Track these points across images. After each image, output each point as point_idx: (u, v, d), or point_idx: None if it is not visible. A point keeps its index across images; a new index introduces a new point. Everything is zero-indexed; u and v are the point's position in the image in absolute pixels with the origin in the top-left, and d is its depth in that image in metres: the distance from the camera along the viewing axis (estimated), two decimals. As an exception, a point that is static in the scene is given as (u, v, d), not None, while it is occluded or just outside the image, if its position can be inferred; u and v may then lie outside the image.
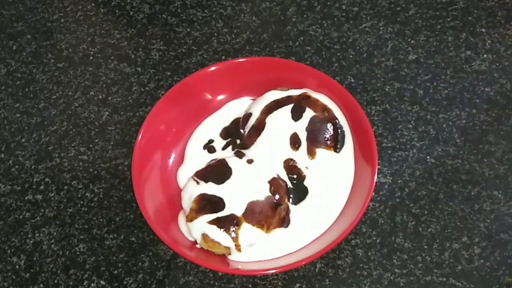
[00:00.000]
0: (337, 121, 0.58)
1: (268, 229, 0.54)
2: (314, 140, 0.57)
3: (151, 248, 0.57)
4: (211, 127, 0.62)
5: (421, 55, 0.68)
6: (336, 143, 0.58)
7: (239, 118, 0.62)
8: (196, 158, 0.60)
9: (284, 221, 0.55)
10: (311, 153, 0.57)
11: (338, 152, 0.58)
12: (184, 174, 0.59)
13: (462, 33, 0.70)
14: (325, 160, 0.57)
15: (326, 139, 0.57)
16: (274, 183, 0.55)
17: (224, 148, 0.61)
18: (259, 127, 0.59)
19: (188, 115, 0.62)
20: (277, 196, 0.54)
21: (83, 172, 0.63)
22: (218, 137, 0.62)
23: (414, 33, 0.70)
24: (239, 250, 0.53)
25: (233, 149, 0.60)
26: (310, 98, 0.59)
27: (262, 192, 0.54)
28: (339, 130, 0.58)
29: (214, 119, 0.63)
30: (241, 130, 0.60)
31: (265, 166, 0.56)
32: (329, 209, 0.55)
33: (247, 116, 0.60)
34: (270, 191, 0.55)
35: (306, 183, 0.57)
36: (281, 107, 0.59)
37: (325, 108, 0.58)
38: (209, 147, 0.61)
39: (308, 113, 0.58)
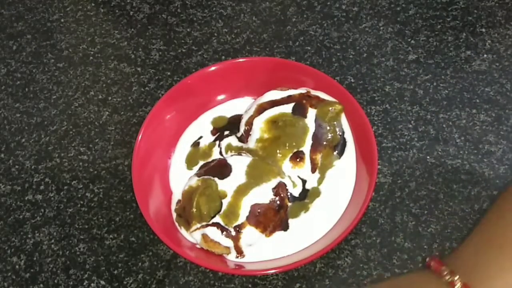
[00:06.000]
0: (339, 128, 0.58)
1: (270, 232, 0.54)
2: (317, 143, 0.57)
3: (151, 248, 0.57)
4: (204, 124, 0.62)
5: (421, 55, 0.68)
6: (338, 149, 0.57)
7: (236, 115, 0.62)
8: (184, 155, 0.60)
9: (284, 222, 0.55)
10: (313, 157, 0.57)
11: (339, 158, 0.57)
12: (173, 172, 0.59)
13: (462, 33, 0.70)
14: (327, 163, 0.57)
15: (329, 142, 0.57)
16: (276, 185, 0.55)
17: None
18: (250, 126, 0.58)
19: (188, 115, 0.62)
20: (279, 198, 0.54)
21: (83, 172, 0.62)
22: (208, 134, 0.61)
23: (414, 33, 0.70)
24: (239, 251, 0.53)
25: (219, 146, 0.60)
26: (312, 97, 0.59)
27: (263, 194, 0.54)
28: (341, 139, 0.58)
29: (209, 117, 0.63)
30: (242, 131, 0.60)
31: (266, 168, 0.56)
32: (331, 211, 0.55)
33: (243, 116, 0.60)
34: (273, 193, 0.54)
35: (307, 186, 0.57)
36: (277, 106, 0.59)
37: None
38: (195, 144, 0.61)
39: (312, 113, 0.58)
